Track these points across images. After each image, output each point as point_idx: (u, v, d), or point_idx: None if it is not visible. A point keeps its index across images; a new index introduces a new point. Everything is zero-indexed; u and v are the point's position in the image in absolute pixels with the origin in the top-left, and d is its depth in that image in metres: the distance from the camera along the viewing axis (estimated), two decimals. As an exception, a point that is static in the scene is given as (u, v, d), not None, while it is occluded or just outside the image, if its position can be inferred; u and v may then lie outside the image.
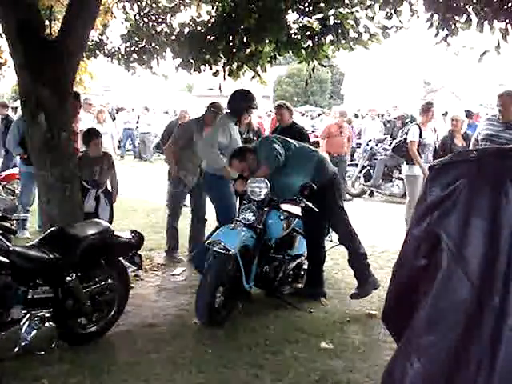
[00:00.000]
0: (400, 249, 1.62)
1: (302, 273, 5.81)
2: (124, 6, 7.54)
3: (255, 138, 7.57)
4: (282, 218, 5.31)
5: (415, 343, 1.59)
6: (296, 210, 5.69)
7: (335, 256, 6.69)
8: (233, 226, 5.04)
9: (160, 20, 7.44)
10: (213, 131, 6.22)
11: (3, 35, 5.64)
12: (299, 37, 6.51)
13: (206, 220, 7.10)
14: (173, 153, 6.82)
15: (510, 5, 4.96)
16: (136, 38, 7.53)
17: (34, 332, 3.65)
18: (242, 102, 6.21)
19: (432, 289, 1.53)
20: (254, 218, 5.10)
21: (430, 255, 1.53)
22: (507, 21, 5.03)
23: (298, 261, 5.74)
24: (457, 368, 1.50)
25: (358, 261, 5.55)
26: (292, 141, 5.67)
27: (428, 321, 1.57)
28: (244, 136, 7.43)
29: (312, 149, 5.96)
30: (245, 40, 6.56)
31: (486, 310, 1.46)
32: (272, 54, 6.80)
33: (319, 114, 25.50)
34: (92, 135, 6.22)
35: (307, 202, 5.21)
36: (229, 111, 6.35)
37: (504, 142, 5.94)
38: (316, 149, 6.12)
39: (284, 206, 5.44)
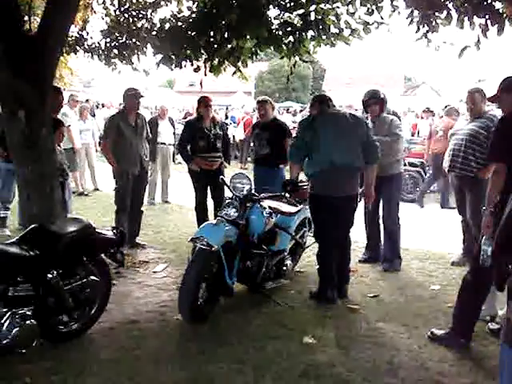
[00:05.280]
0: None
1: (285, 268, 5.81)
2: (104, 1, 7.47)
3: (221, 133, 7.49)
4: (264, 213, 5.31)
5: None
6: (279, 205, 5.70)
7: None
8: (216, 221, 5.04)
9: (140, 15, 7.39)
10: None
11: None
12: (280, 32, 6.51)
13: (143, 212, 7.38)
14: (108, 148, 6.94)
15: (489, 1, 5.00)
16: (116, 34, 7.48)
17: (15, 330, 3.61)
18: None
19: None
20: (236, 213, 5.10)
21: None
22: (487, 17, 5.07)
23: (281, 256, 5.74)
24: None
25: (323, 267, 5.52)
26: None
27: None
28: (212, 132, 7.34)
29: None
30: (226, 36, 6.54)
31: None
32: (253, 49, 6.79)
33: (300, 111, 25.58)
34: (58, 124, 6.19)
35: (289, 198, 5.21)
36: None
37: (462, 135, 6.22)
38: None
39: (266, 202, 5.45)
